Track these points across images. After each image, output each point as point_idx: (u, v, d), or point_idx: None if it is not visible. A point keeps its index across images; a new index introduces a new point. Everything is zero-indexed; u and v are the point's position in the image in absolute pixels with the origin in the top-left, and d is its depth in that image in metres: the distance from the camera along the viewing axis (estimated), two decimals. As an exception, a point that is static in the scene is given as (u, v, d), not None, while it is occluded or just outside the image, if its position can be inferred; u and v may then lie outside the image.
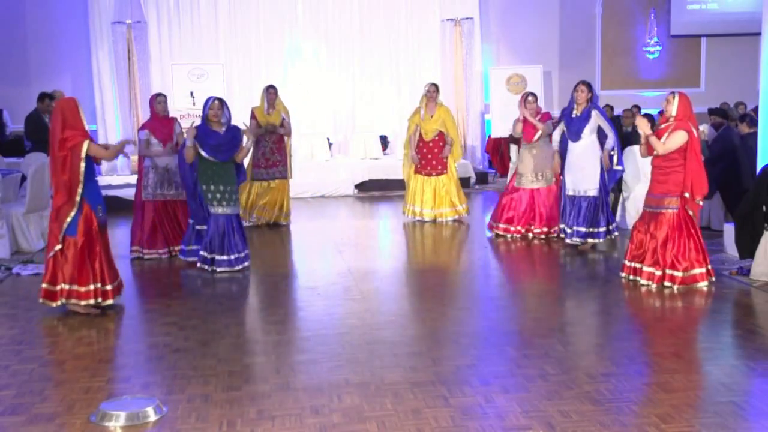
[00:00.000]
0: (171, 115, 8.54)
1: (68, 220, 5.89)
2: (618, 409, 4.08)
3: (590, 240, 8.06)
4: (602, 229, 8.03)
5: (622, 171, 8.13)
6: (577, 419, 3.95)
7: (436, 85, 10.08)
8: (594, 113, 7.81)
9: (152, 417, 4.06)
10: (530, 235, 8.79)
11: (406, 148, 10.21)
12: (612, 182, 8.14)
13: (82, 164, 5.88)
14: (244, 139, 7.48)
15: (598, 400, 4.19)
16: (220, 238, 7.25)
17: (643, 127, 6.53)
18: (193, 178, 7.34)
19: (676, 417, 3.97)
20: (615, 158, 7.93)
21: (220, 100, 7.27)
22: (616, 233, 8.21)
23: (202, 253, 7.36)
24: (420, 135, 9.97)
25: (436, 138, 9.87)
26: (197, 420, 4.04)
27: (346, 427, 3.93)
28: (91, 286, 5.96)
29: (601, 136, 7.89)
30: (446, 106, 10.18)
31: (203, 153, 7.11)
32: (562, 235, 8.22)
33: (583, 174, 7.91)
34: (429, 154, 9.96)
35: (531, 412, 4.07)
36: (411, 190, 10.13)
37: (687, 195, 6.49)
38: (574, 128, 7.88)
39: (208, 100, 7.26)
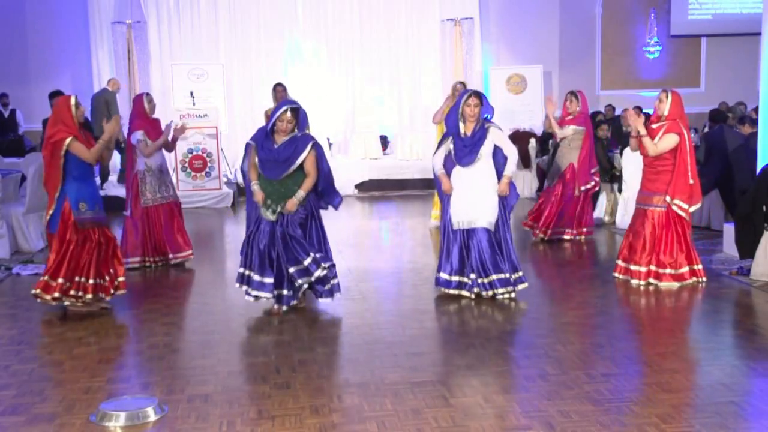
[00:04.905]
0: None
1: (47, 218, 5.95)
2: (618, 409, 4.08)
3: (499, 289, 6.20)
4: (506, 276, 6.20)
5: (516, 200, 6.37)
6: (577, 419, 3.95)
7: (463, 83, 9.86)
8: (492, 131, 6.11)
9: (152, 417, 4.06)
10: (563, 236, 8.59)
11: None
12: (509, 210, 6.33)
13: (62, 160, 5.84)
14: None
15: (598, 400, 4.19)
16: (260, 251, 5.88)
17: (639, 126, 6.53)
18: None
19: (676, 417, 3.97)
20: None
21: (295, 109, 5.76)
22: (523, 284, 6.32)
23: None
24: None
25: None
26: (197, 420, 4.04)
27: (346, 427, 3.93)
28: (60, 280, 5.90)
29: (499, 158, 6.20)
30: None
31: (256, 160, 5.86)
32: (441, 288, 6.39)
33: (478, 204, 6.15)
34: None
35: (531, 412, 4.07)
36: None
37: (668, 199, 6.50)
38: (466, 150, 6.12)
39: (280, 105, 5.83)
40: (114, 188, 12.08)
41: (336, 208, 6.15)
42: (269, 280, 5.85)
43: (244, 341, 5.48)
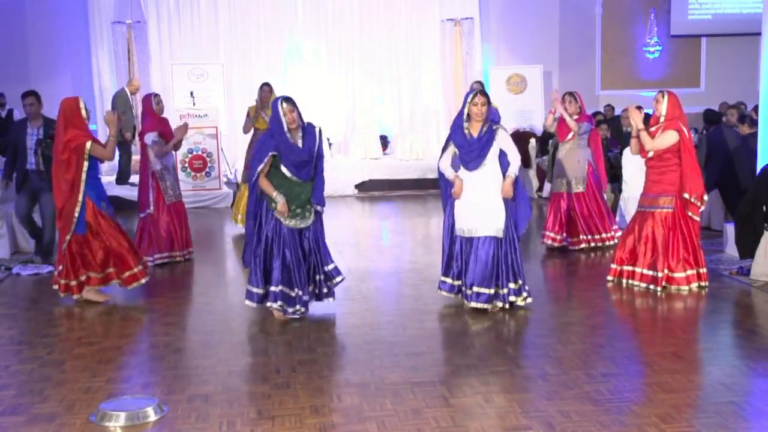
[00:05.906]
0: (167, 114, 8.43)
1: (75, 218, 6.11)
2: (618, 409, 4.08)
3: (497, 303, 5.95)
4: (513, 287, 5.96)
5: (530, 214, 6.20)
6: (577, 419, 3.95)
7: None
8: (500, 133, 5.87)
9: (152, 417, 4.06)
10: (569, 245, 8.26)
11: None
12: (522, 227, 6.12)
13: (86, 163, 6.10)
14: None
15: (598, 400, 4.19)
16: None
17: (636, 119, 6.48)
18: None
19: (676, 417, 3.97)
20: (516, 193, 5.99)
21: (288, 99, 5.63)
22: (527, 297, 6.04)
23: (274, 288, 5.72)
24: None
25: None
26: (197, 420, 4.04)
27: (346, 427, 3.93)
28: (93, 273, 6.29)
29: (505, 161, 5.93)
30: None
31: (284, 169, 5.64)
32: (443, 292, 6.23)
33: (484, 210, 5.89)
34: None
35: (531, 412, 4.07)
36: None
37: (686, 196, 6.45)
38: (473, 153, 5.87)
39: (275, 106, 5.62)
40: (115, 188, 12.08)
41: (322, 207, 5.98)
42: (301, 292, 5.73)
43: (244, 341, 5.48)
